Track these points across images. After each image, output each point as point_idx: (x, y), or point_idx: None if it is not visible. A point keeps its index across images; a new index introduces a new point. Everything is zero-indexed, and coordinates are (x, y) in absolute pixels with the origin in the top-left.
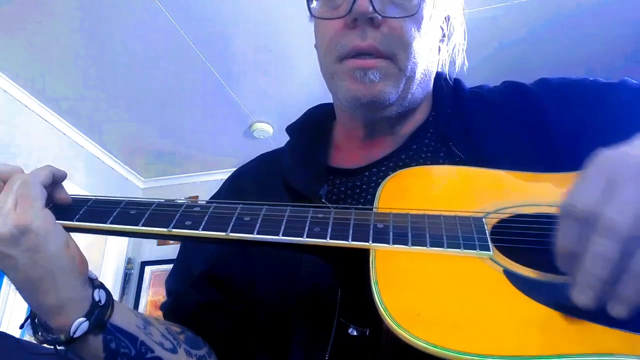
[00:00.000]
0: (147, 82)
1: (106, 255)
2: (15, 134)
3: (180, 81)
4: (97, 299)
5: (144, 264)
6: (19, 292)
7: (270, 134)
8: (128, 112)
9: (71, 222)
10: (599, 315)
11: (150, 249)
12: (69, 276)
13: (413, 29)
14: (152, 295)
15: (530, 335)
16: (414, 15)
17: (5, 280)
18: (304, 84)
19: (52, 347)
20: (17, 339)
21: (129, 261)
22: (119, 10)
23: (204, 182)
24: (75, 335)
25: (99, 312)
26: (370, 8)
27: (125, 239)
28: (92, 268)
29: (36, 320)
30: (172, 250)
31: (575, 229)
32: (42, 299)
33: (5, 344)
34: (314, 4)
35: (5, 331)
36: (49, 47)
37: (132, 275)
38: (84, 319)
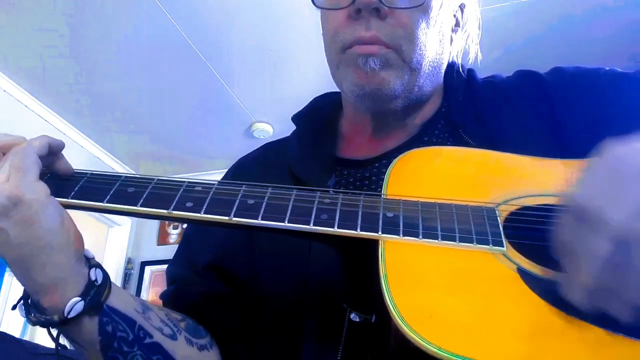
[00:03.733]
0: (146, 81)
1: (106, 255)
2: (15, 133)
3: (180, 81)
4: (93, 278)
5: (144, 264)
6: (12, 269)
7: (270, 134)
8: (127, 111)
9: (66, 200)
10: (614, 323)
11: (150, 249)
12: (64, 252)
13: (421, 20)
14: (152, 295)
15: (544, 342)
16: (422, 6)
17: (6, 280)
18: (304, 84)
19: (45, 328)
20: (17, 339)
21: (129, 261)
22: (118, 9)
23: None
24: (69, 316)
25: (95, 292)
26: None
27: (125, 238)
28: None
29: (29, 301)
30: (172, 250)
31: (574, 224)
32: (36, 276)
33: (5, 344)
34: None
35: (5, 331)
36: (49, 46)
37: (132, 275)
38: (79, 298)
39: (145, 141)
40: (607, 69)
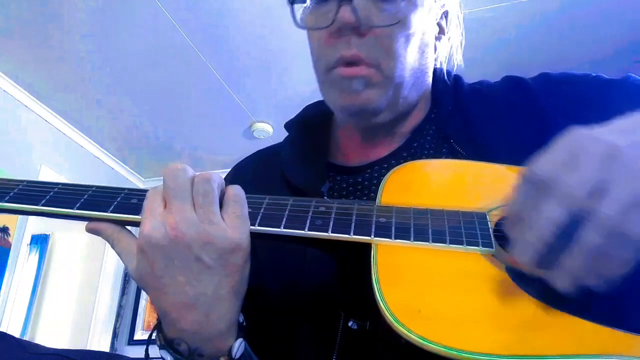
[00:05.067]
0: (147, 82)
1: (106, 255)
2: (15, 133)
3: (180, 81)
4: (240, 320)
5: None
6: (191, 316)
7: (270, 134)
8: (128, 112)
9: (71, 210)
10: (601, 315)
11: None
12: (242, 297)
13: (400, 35)
14: None
15: (531, 334)
16: (400, 22)
17: (6, 280)
18: (304, 84)
19: None
20: (17, 339)
21: None
22: (119, 10)
23: None
24: (236, 356)
25: (243, 332)
26: (353, 18)
27: None
28: (92, 268)
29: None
30: None
31: (530, 192)
32: (218, 321)
33: (5, 344)
34: (299, 13)
35: (5, 331)
36: (50, 47)
37: None
38: (241, 339)
39: (146, 141)
40: (594, 75)
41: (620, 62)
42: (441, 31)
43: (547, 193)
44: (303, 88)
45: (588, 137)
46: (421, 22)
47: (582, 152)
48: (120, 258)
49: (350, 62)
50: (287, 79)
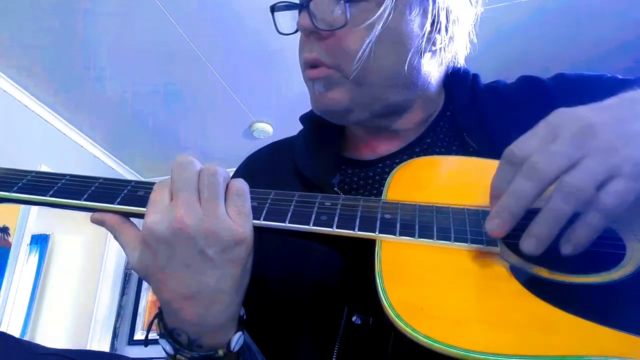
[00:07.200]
0: (147, 82)
1: (106, 255)
2: (15, 133)
3: (180, 81)
4: (241, 313)
5: None
6: (192, 308)
7: (270, 134)
8: (128, 112)
9: (79, 202)
10: (603, 316)
11: None
12: (243, 291)
13: (362, 37)
14: (152, 295)
15: (533, 334)
16: (364, 23)
17: (6, 280)
18: (304, 84)
19: None
20: (17, 339)
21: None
22: (118, 9)
23: None
24: (234, 349)
25: (244, 326)
26: (309, 24)
27: None
28: (92, 268)
29: (171, 339)
30: None
31: (508, 171)
32: (218, 314)
33: (5, 344)
34: (281, 21)
35: (5, 331)
36: (49, 47)
37: (132, 275)
38: (241, 332)
39: (146, 141)
40: (609, 75)
41: (618, 61)
42: (432, 31)
43: (519, 169)
44: (303, 88)
45: (566, 116)
46: (396, 26)
47: (558, 130)
48: (123, 249)
49: (313, 65)
50: (287, 79)
